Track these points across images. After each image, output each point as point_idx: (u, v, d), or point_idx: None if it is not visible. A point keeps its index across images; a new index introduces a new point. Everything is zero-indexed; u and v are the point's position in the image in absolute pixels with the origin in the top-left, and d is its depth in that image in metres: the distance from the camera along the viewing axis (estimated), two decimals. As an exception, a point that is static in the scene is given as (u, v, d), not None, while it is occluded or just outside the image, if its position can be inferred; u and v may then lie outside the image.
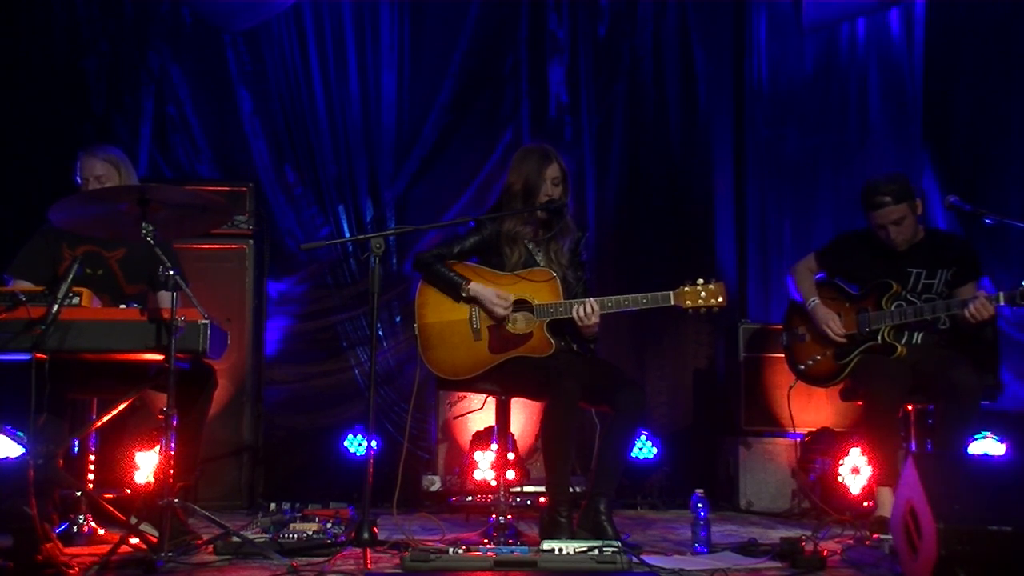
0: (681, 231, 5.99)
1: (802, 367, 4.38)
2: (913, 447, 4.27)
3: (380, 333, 5.69)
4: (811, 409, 4.98)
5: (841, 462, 4.68)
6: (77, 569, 3.04)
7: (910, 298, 4.16)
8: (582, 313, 3.67)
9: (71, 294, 3.24)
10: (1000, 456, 4.59)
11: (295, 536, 3.50)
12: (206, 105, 5.82)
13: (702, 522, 3.60)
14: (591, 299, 3.69)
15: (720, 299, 3.68)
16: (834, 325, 4.23)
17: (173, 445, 3.21)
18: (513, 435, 4.81)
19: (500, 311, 3.74)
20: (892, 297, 4.17)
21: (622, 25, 6.06)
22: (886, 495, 3.97)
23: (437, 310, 3.82)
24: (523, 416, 4.95)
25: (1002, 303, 3.91)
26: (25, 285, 3.58)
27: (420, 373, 3.82)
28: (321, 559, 3.28)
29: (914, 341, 4.19)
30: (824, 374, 4.31)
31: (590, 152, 5.96)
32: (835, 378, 4.27)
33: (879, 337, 4.17)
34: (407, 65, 5.95)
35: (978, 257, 4.29)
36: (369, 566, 3.14)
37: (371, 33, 5.92)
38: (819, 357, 4.32)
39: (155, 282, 3.79)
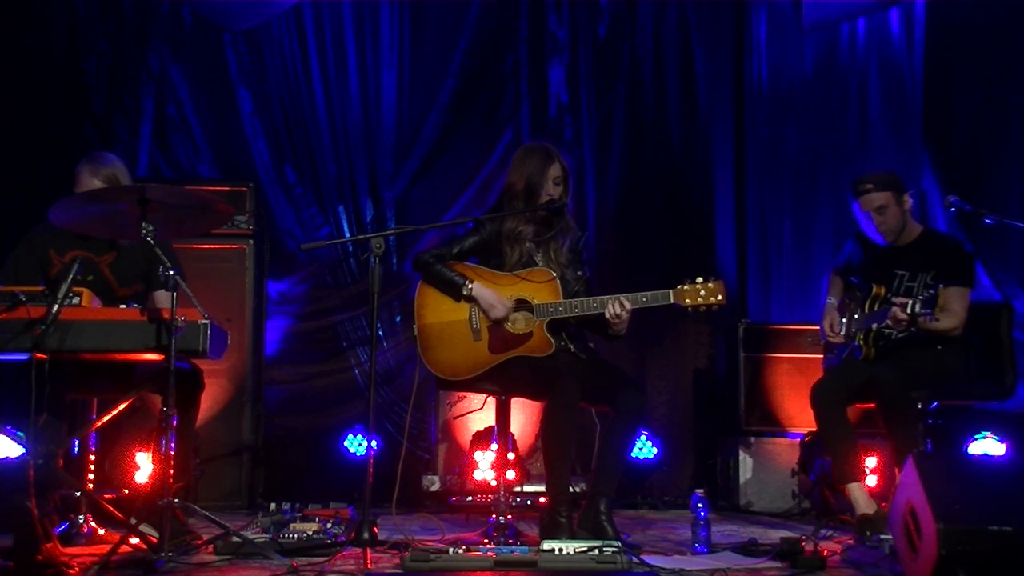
0: (681, 231, 5.99)
1: (825, 367, 4.44)
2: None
3: (380, 333, 5.69)
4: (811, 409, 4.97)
5: (841, 462, 4.68)
6: (77, 569, 3.04)
7: (894, 301, 4.13)
8: (616, 310, 3.66)
9: (71, 294, 3.23)
10: (1000, 456, 4.59)
11: (295, 536, 3.50)
12: (206, 105, 5.83)
13: (702, 522, 3.60)
14: (621, 296, 3.68)
15: (719, 297, 3.67)
16: (826, 328, 4.29)
17: (172, 445, 3.22)
18: (513, 435, 4.80)
19: (500, 310, 3.74)
20: (874, 300, 4.17)
21: (622, 25, 6.07)
22: (856, 492, 3.99)
23: (436, 310, 3.82)
24: (523, 416, 4.95)
25: (908, 311, 3.83)
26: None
27: (420, 373, 3.82)
28: (321, 559, 3.28)
29: (890, 343, 4.16)
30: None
31: (590, 152, 5.96)
32: None
33: (858, 340, 4.19)
34: (407, 65, 5.95)
35: (968, 262, 4.19)
36: (369, 566, 3.14)
37: (371, 33, 5.92)
38: (830, 355, 4.40)
39: (153, 282, 3.79)
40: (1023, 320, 5.25)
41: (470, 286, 3.76)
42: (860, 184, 4.17)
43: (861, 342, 4.16)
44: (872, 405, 4.10)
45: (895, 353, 4.12)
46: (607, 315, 3.68)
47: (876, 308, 4.15)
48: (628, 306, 3.67)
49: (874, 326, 4.11)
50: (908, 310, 3.83)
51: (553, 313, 3.74)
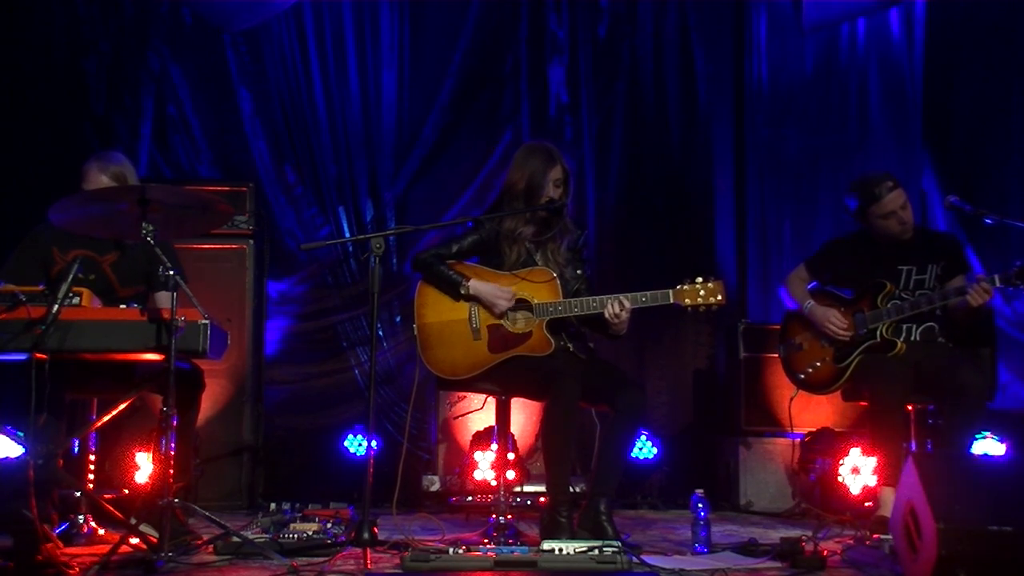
0: (681, 231, 5.99)
1: (802, 376, 4.35)
2: (913, 447, 4.27)
3: (380, 333, 5.69)
4: (811, 409, 4.98)
5: (841, 462, 4.68)
6: (77, 569, 3.04)
7: (903, 296, 4.18)
8: (615, 310, 3.66)
9: (71, 294, 3.23)
10: (1000, 456, 4.59)
11: (295, 536, 3.50)
12: (206, 105, 5.83)
13: (702, 522, 3.60)
14: (620, 296, 3.68)
15: (719, 297, 3.67)
16: (836, 321, 4.22)
17: (172, 445, 3.22)
18: (513, 435, 4.80)
19: (503, 303, 3.73)
20: (887, 296, 4.18)
21: (622, 25, 6.07)
22: (889, 495, 3.96)
23: (436, 310, 3.82)
24: (523, 416, 4.95)
25: (998, 284, 3.92)
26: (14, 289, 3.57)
27: (420, 373, 3.82)
28: (321, 559, 3.28)
29: (912, 337, 4.19)
30: (825, 379, 4.29)
31: (590, 152, 5.97)
32: (836, 382, 4.24)
33: (878, 334, 4.18)
34: (407, 65, 5.95)
35: (965, 251, 4.32)
36: (369, 566, 3.14)
37: (371, 33, 5.92)
38: (818, 363, 4.30)
39: (154, 282, 3.79)
40: (1023, 319, 5.26)
41: (468, 284, 3.76)
42: (879, 186, 4.16)
43: (885, 336, 4.15)
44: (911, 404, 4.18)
45: (935, 349, 4.14)
46: (606, 315, 3.68)
47: (887, 304, 4.15)
48: (628, 305, 3.67)
49: (937, 310, 4.10)
50: (998, 283, 3.91)
51: (553, 313, 3.74)
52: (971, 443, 4.03)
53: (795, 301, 4.39)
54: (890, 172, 4.27)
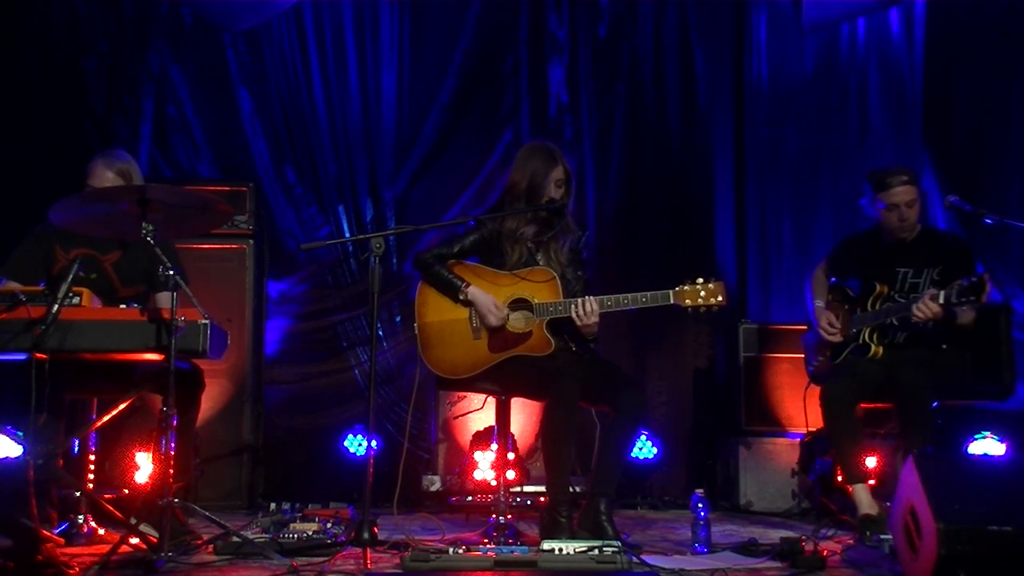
0: (681, 231, 5.98)
1: (810, 369, 4.46)
2: None
3: (380, 333, 5.69)
4: (812, 409, 4.96)
5: (841, 462, 4.68)
6: (77, 569, 3.04)
7: (898, 298, 4.17)
8: (581, 312, 3.67)
9: (71, 294, 3.24)
10: (1000, 456, 4.59)
11: (295, 536, 3.50)
12: (206, 105, 5.82)
13: (702, 522, 3.61)
14: (590, 297, 3.68)
15: (719, 298, 3.68)
16: (826, 325, 4.26)
17: (172, 445, 3.22)
18: (513, 435, 4.81)
19: (492, 320, 3.74)
20: (877, 298, 4.19)
21: (622, 25, 6.06)
22: (861, 492, 4.00)
23: (437, 309, 3.82)
24: (523, 416, 4.95)
25: (941, 302, 3.88)
26: (16, 286, 3.57)
27: (420, 373, 3.82)
28: (321, 559, 3.29)
29: (896, 341, 4.19)
30: (824, 375, 4.34)
31: (590, 152, 5.96)
32: None
33: (860, 337, 4.19)
34: (407, 65, 5.95)
35: (972, 257, 4.24)
36: (369, 566, 3.14)
37: (371, 33, 5.92)
38: (821, 359, 4.37)
39: (154, 282, 3.79)
40: (1023, 320, 5.26)
41: (467, 290, 3.77)
42: (894, 176, 4.13)
43: (866, 339, 4.17)
44: (880, 405, 4.12)
45: (906, 352, 4.13)
46: (573, 315, 3.68)
47: (879, 306, 4.16)
48: (595, 308, 3.67)
49: (892, 320, 4.09)
50: (942, 300, 3.85)
51: (553, 312, 3.74)
52: (926, 442, 3.96)
53: (811, 297, 4.44)
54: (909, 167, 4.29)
